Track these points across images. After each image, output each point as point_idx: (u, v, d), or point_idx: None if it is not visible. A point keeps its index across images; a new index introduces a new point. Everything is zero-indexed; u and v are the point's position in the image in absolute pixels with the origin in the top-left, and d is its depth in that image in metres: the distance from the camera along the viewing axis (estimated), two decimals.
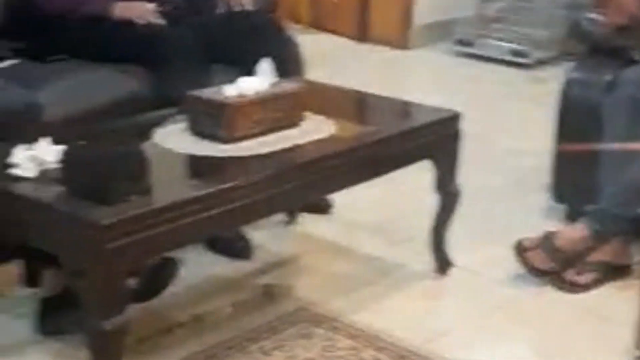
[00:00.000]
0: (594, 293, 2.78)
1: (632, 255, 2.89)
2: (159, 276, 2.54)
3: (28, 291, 2.57)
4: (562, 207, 3.21)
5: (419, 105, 2.91)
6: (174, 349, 2.42)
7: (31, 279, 2.55)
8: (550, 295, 2.77)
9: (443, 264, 2.85)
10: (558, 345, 2.53)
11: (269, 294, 2.74)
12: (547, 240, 2.81)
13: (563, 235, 2.81)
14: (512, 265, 2.83)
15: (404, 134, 2.66)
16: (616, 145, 2.80)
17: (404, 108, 2.99)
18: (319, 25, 5.67)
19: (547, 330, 2.61)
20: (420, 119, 2.76)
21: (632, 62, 3.02)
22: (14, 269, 2.59)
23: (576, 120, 3.09)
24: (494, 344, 2.53)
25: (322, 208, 3.21)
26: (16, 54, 2.97)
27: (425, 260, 2.85)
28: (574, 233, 2.82)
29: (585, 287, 2.78)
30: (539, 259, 2.79)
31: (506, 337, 2.57)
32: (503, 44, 5.24)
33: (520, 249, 2.80)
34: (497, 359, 2.46)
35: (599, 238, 2.81)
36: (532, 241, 2.81)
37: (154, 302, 2.56)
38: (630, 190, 2.76)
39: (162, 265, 2.53)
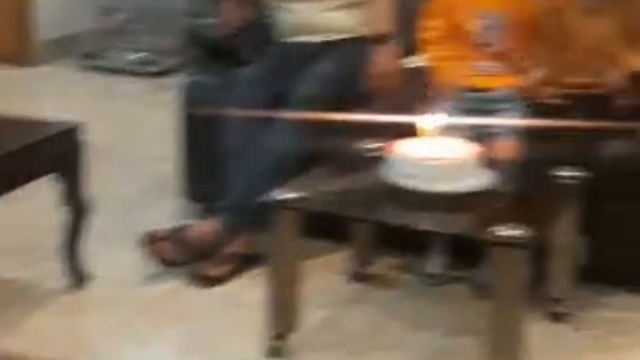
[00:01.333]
0: (232, 283, 2.87)
1: (261, 244, 3.02)
2: None
3: None
4: (198, 207, 3.29)
5: (36, 120, 2.83)
6: None
7: None
8: (189, 292, 2.83)
9: (79, 277, 2.81)
10: (200, 339, 2.60)
11: None
12: (175, 232, 2.87)
13: (194, 230, 2.89)
14: (150, 269, 2.86)
15: (21, 150, 2.59)
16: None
17: (21, 124, 2.89)
18: None
19: (188, 326, 2.67)
20: (37, 134, 2.69)
21: (244, 62, 3.17)
22: None
23: (199, 121, 3.18)
24: (138, 350, 2.54)
25: None
26: None
27: (61, 276, 2.80)
28: (205, 227, 2.91)
29: (220, 280, 2.86)
30: (167, 250, 2.85)
31: (150, 340, 2.59)
32: (128, 54, 5.25)
33: (149, 240, 2.85)
34: None
35: (230, 231, 2.91)
36: (162, 232, 2.87)
37: None
38: (252, 184, 2.88)
39: None
